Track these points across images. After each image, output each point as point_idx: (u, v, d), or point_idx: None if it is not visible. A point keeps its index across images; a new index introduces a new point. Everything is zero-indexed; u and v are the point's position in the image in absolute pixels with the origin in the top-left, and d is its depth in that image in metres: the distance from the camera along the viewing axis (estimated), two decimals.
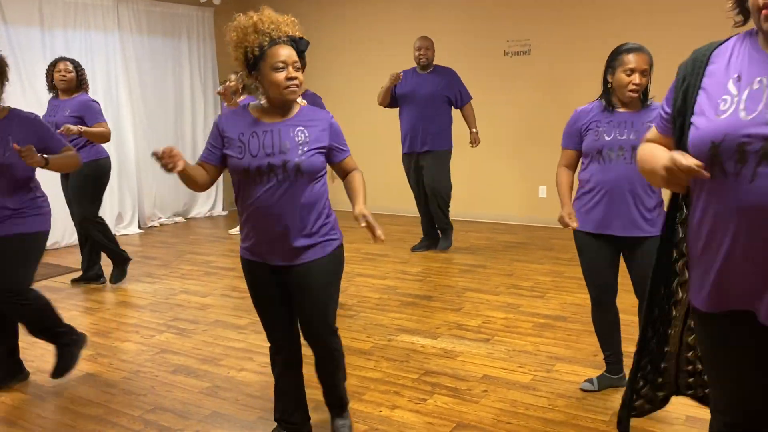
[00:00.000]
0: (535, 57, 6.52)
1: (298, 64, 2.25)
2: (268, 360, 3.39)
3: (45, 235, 3.11)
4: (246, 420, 2.80)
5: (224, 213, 8.04)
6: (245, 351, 3.57)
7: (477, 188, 6.91)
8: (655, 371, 1.85)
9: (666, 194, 1.91)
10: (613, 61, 2.71)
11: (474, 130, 5.55)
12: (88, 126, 4.47)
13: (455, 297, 4.41)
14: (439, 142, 5.47)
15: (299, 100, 2.40)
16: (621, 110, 2.74)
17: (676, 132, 1.55)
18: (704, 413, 2.71)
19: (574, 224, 2.77)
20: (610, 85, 2.74)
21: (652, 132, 1.71)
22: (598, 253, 2.84)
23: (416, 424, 2.71)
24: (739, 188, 1.38)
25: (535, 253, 5.55)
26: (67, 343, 3.19)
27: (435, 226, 5.77)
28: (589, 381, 3.02)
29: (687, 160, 1.35)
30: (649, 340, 1.79)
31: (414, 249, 5.79)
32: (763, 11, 1.36)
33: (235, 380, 3.20)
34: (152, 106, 7.27)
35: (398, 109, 5.62)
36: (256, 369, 3.32)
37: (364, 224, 2.18)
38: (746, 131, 1.36)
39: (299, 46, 2.27)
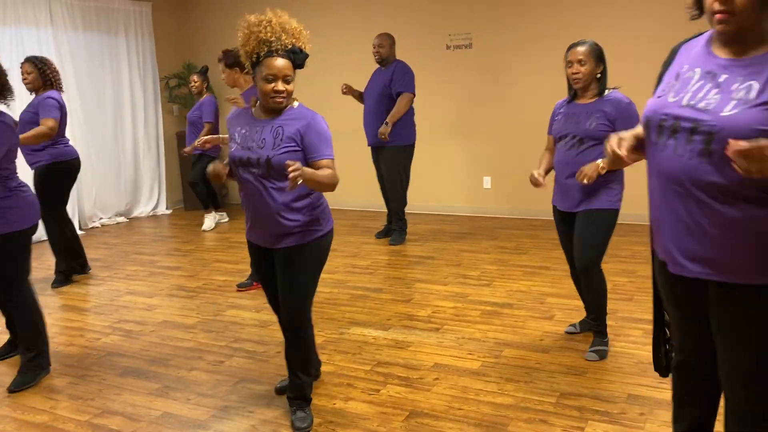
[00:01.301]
0: (476, 50, 6.62)
1: (290, 77, 2.44)
2: (219, 358, 3.39)
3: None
4: (198, 419, 2.78)
5: (168, 212, 7.88)
6: (195, 350, 3.53)
7: (424, 180, 6.99)
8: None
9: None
10: (565, 57, 3.10)
11: (387, 122, 5.42)
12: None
13: (405, 288, 4.46)
14: (398, 137, 5.49)
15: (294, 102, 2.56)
16: (579, 101, 3.09)
17: None
18: (648, 392, 2.84)
19: (540, 182, 3.08)
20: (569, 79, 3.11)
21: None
22: (562, 225, 3.23)
23: (370, 415, 2.74)
24: (657, 155, 1.71)
25: (482, 243, 5.66)
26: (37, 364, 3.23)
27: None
28: (573, 325, 3.53)
29: (615, 142, 1.77)
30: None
31: (378, 235, 5.98)
32: (717, 15, 1.57)
33: (185, 380, 3.16)
34: (90, 105, 7.05)
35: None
36: (207, 368, 3.29)
37: (290, 170, 2.22)
38: (666, 111, 1.68)
39: (297, 58, 2.44)
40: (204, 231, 6.65)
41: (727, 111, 1.55)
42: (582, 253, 3.07)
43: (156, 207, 7.84)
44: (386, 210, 6.04)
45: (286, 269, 2.56)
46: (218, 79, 7.34)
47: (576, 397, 2.81)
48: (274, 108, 2.48)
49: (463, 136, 6.84)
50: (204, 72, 6.68)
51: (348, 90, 5.65)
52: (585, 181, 2.77)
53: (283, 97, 2.44)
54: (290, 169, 2.21)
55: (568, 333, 3.50)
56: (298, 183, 2.24)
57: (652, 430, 2.52)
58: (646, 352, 3.21)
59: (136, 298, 4.50)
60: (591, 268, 3.08)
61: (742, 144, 1.38)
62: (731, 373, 1.71)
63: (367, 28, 6.95)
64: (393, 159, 5.56)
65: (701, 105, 1.60)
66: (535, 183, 3.07)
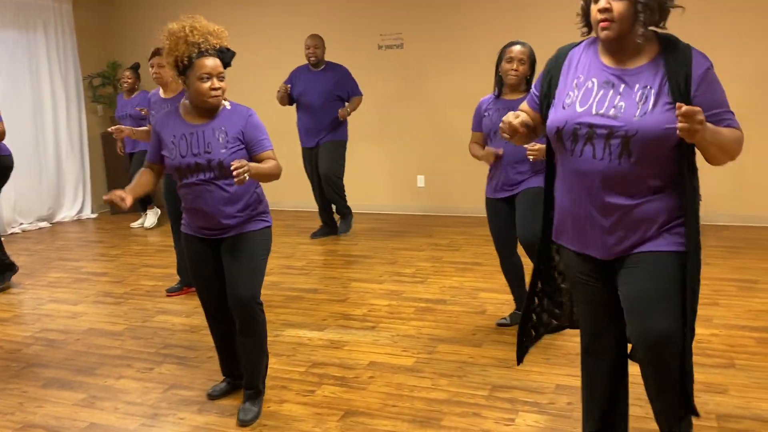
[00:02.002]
0: (407, 50, 6.68)
1: (223, 75, 2.56)
2: (148, 365, 3.29)
3: None
4: (127, 428, 2.69)
5: (94, 216, 7.59)
6: (123, 358, 3.42)
7: (358, 180, 6.99)
8: (553, 304, 2.26)
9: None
10: (501, 54, 3.32)
11: (348, 109, 5.66)
12: None
13: (341, 288, 4.46)
14: (335, 134, 5.72)
15: (224, 102, 2.65)
16: (507, 97, 3.32)
17: (543, 111, 2.00)
18: (575, 381, 2.93)
19: (498, 152, 3.29)
20: (499, 74, 3.32)
21: (524, 105, 2.12)
22: (498, 215, 3.41)
23: (305, 416, 2.73)
24: (574, 161, 1.87)
25: (416, 240, 5.72)
26: None
27: (332, 215, 5.99)
28: (504, 318, 3.63)
29: (511, 118, 1.90)
30: (541, 280, 2.20)
31: (313, 236, 5.97)
32: (601, 23, 1.78)
33: (113, 389, 3.06)
34: (7, 104, 6.71)
35: (295, 105, 5.82)
36: (136, 375, 3.19)
37: (234, 170, 2.34)
38: (578, 120, 1.84)
39: (225, 57, 2.57)
40: (147, 228, 6.62)
41: (638, 116, 1.76)
42: (525, 229, 3.24)
43: (81, 211, 7.54)
44: (319, 211, 6.03)
45: (236, 256, 2.64)
46: (150, 76, 7.17)
47: (507, 389, 2.88)
48: (211, 107, 2.58)
49: (396, 136, 6.89)
50: (136, 68, 6.52)
51: (284, 93, 5.64)
52: (534, 157, 2.94)
53: (220, 94, 2.55)
54: (233, 168, 2.33)
55: (499, 325, 3.58)
56: (246, 180, 2.36)
57: (578, 417, 2.60)
58: (573, 343, 3.32)
59: (59, 306, 4.32)
60: (536, 242, 3.18)
61: (687, 107, 1.59)
62: (639, 314, 1.90)
63: (299, 29, 6.90)
64: (336, 151, 5.75)
65: (611, 113, 1.80)
66: (495, 155, 3.28)
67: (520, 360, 2.27)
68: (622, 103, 1.79)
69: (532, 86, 2.09)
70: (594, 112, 1.82)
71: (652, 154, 1.79)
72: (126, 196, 2.46)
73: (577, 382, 2.89)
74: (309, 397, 2.89)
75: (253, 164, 2.44)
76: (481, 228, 5.95)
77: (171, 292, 4.43)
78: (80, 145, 7.53)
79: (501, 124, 1.95)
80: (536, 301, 2.23)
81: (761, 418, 2.53)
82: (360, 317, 3.87)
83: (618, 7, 1.74)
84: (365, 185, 7.00)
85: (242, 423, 2.67)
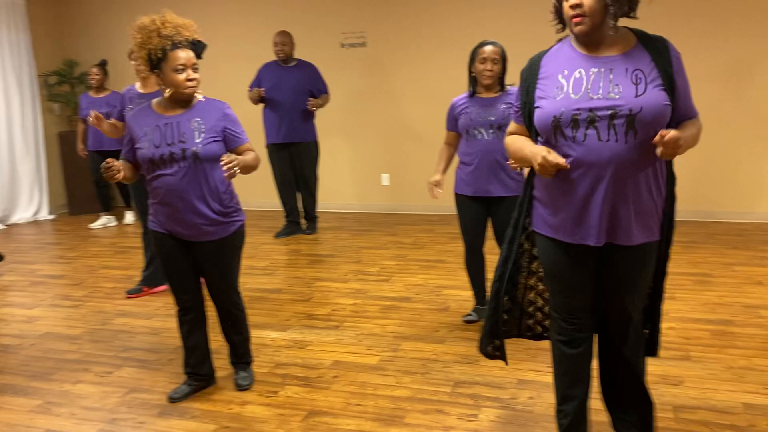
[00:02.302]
0: (371, 49, 6.68)
1: (197, 66, 2.61)
2: (107, 369, 3.23)
3: None
4: None
5: (51, 217, 7.40)
6: (80, 362, 3.34)
7: (322, 179, 6.95)
8: (515, 307, 2.31)
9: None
10: (473, 54, 3.34)
11: (320, 101, 5.75)
12: None
13: (305, 288, 4.43)
14: (307, 134, 5.79)
15: (197, 95, 2.68)
16: (483, 96, 3.37)
17: (526, 120, 2.04)
18: (537, 376, 2.96)
19: (433, 194, 3.40)
20: (473, 74, 3.35)
21: (512, 125, 2.17)
22: (470, 210, 3.46)
23: (267, 417, 2.70)
24: (577, 147, 1.88)
25: (381, 239, 5.72)
26: None
27: (298, 214, 6.03)
28: (470, 314, 3.65)
29: (554, 157, 1.84)
30: (507, 281, 2.22)
31: (278, 235, 5.96)
32: (574, 19, 1.85)
33: (70, 394, 2.99)
34: None
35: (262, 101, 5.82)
36: (94, 380, 3.12)
37: (225, 164, 2.42)
38: (576, 106, 1.87)
39: (197, 48, 2.63)
40: (90, 228, 6.59)
41: (638, 95, 1.83)
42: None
43: (37, 212, 7.35)
44: (285, 210, 6.02)
45: (217, 261, 2.75)
46: (118, 72, 7.07)
47: (470, 385, 2.90)
48: (187, 98, 2.62)
49: (361, 134, 6.88)
50: (103, 65, 6.40)
51: (258, 96, 5.67)
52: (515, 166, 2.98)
53: (195, 85, 2.59)
54: (224, 163, 2.40)
55: (466, 322, 3.60)
56: (237, 174, 2.43)
57: (540, 412, 2.64)
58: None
59: (14, 311, 4.20)
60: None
61: (670, 133, 1.73)
62: (616, 305, 2.05)
63: (258, 28, 6.84)
64: (312, 151, 5.87)
65: (611, 95, 1.84)
66: (436, 186, 3.40)
67: (498, 357, 2.33)
68: (618, 85, 1.85)
69: (514, 101, 2.13)
70: (591, 96, 1.86)
71: (653, 132, 1.84)
72: (122, 169, 2.56)
73: (539, 377, 2.93)
74: (272, 398, 2.87)
75: (239, 157, 2.50)
76: (446, 226, 5.99)
77: (131, 293, 4.35)
78: (36, 145, 7.33)
79: (542, 164, 1.87)
80: (503, 299, 2.25)
81: (716, 409, 2.60)
82: (324, 317, 3.85)
83: (588, 2, 1.82)
84: (330, 184, 6.97)
85: (244, 388, 2.93)
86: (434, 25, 6.42)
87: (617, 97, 1.84)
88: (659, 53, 1.88)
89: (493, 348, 2.32)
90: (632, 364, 2.13)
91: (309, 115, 5.77)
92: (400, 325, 3.65)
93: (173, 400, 2.86)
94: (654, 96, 1.83)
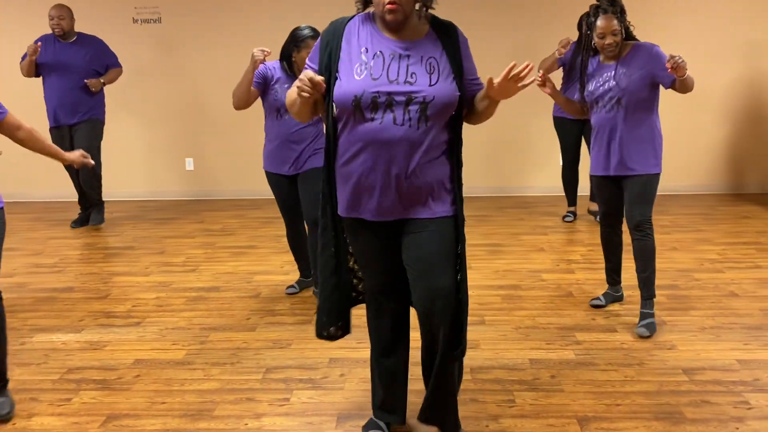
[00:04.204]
0: (166, 25, 6.29)
1: None
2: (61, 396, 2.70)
3: None
4: None
5: None
6: (21, 391, 2.77)
7: (119, 165, 6.46)
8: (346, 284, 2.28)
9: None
10: (296, 40, 3.32)
11: (102, 80, 5.31)
12: None
13: (101, 284, 4.09)
14: (91, 111, 5.32)
15: None
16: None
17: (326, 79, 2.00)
18: (347, 353, 3.01)
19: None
20: (293, 59, 3.35)
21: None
22: (282, 188, 3.56)
23: (60, 428, 2.45)
24: (373, 128, 1.94)
25: (186, 227, 5.46)
26: None
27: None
28: (292, 286, 3.80)
29: (310, 74, 1.84)
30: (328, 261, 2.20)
31: (74, 224, 5.54)
32: (388, 6, 1.88)
33: (29, 430, 2.47)
34: None
35: (41, 79, 5.29)
36: (54, 411, 2.61)
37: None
38: (376, 89, 1.92)
39: None
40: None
41: (432, 83, 1.94)
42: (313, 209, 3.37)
43: None
44: (78, 197, 5.54)
45: None
46: None
47: (282, 369, 2.87)
48: None
49: (161, 117, 6.49)
50: None
51: (34, 52, 5.04)
52: None
53: None
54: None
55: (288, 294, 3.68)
56: None
57: (350, 387, 2.70)
58: None
59: None
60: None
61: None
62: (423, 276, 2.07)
63: None
64: (94, 131, 5.35)
65: (408, 81, 1.93)
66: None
67: (340, 336, 2.28)
68: (414, 72, 1.94)
69: (307, 61, 2.08)
70: (390, 80, 1.93)
71: (443, 119, 1.99)
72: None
73: (350, 354, 2.99)
74: (65, 407, 2.61)
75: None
76: (256, 210, 5.88)
77: None
78: None
79: (300, 86, 1.85)
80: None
81: (507, 366, 2.85)
82: (123, 314, 3.59)
83: None
84: (127, 170, 6.50)
85: (5, 417, 2.50)
86: (235, 3, 6.21)
87: (413, 83, 1.93)
88: (450, 39, 2.01)
89: (336, 328, 2.25)
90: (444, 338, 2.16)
91: (96, 95, 5.33)
92: (208, 317, 3.52)
93: None
94: (446, 87, 1.95)
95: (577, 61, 4.97)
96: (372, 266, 2.19)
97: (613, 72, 3.10)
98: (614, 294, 3.55)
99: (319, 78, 1.87)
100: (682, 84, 2.96)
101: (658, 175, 3.15)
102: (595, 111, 3.22)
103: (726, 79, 6.13)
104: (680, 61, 2.80)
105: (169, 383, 2.78)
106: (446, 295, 2.04)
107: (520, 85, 1.91)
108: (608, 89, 3.11)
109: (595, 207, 5.44)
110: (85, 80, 5.17)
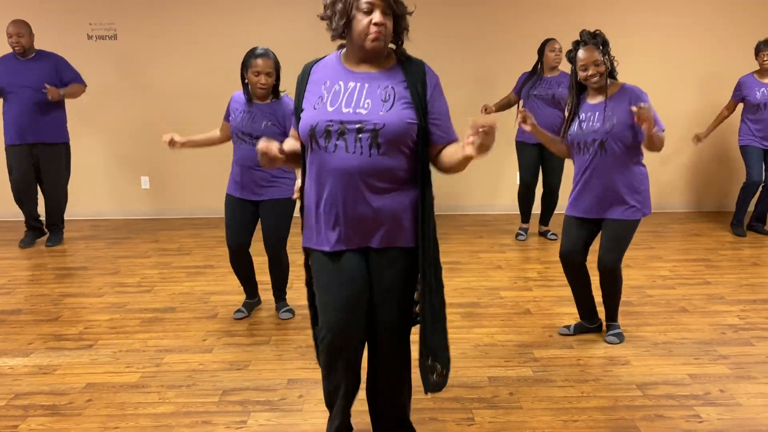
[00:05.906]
0: (122, 42, 6.21)
1: None
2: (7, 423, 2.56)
3: None
4: None
5: None
6: None
7: (76, 184, 6.29)
8: None
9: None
10: (246, 63, 3.34)
11: (61, 92, 5.17)
12: None
13: (51, 306, 3.96)
14: (56, 134, 5.28)
15: None
16: (256, 102, 3.42)
17: (297, 124, 2.08)
18: (306, 374, 2.98)
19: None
20: (246, 82, 3.38)
21: (292, 130, 2.22)
22: (236, 212, 3.53)
23: None
24: (328, 157, 1.98)
25: (141, 247, 5.35)
26: None
27: (40, 221, 5.49)
28: (240, 310, 3.76)
29: None
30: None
31: (22, 244, 5.40)
32: (373, 33, 1.90)
33: None
34: None
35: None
36: None
37: None
38: (330, 118, 1.96)
39: None
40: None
41: (383, 111, 1.94)
42: (273, 239, 3.55)
43: None
44: (25, 216, 5.42)
45: None
46: None
47: (239, 391, 2.82)
48: None
49: (114, 134, 6.36)
50: None
51: None
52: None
53: None
54: None
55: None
56: None
57: (309, 408, 2.67)
58: (305, 336, 3.39)
59: None
60: (281, 251, 3.66)
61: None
62: (386, 324, 2.11)
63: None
64: (59, 153, 5.34)
65: (359, 110, 1.94)
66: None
67: None
68: (368, 101, 1.96)
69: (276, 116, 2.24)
70: (344, 110, 1.95)
71: (397, 147, 1.97)
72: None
73: (308, 374, 2.96)
74: None
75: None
76: (213, 229, 5.79)
77: None
78: None
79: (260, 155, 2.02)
80: None
81: (466, 385, 2.86)
82: (75, 336, 3.48)
83: (389, 23, 1.94)
84: (81, 188, 6.34)
85: None
86: (191, 18, 6.17)
87: (365, 112, 1.94)
88: (416, 74, 2.00)
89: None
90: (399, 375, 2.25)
91: (56, 112, 5.24)
92: (164, 338, 3.44)
93: None
94: (398, 114, 1.94)
95: (524, 89, 5.21)
96: (331, 304, 2.08)
97: (599, 113, 3.07)
98: (588, 326, 3.41)
99: (274, 149, 2.00)
100: (649, 140, 2.93)
101: (637, 221, 3.11)
102: (577, 153, 3.17)
103: (686, 108, 6.39)
104: (645, 107, 2.76)
105: (123, 407, 2.70)
106: (398, 328, 2.09)
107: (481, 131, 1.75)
108: (593, 130, 3.06)
109: (546, 228, 5.56)
110: (46, 84, 5.06)
